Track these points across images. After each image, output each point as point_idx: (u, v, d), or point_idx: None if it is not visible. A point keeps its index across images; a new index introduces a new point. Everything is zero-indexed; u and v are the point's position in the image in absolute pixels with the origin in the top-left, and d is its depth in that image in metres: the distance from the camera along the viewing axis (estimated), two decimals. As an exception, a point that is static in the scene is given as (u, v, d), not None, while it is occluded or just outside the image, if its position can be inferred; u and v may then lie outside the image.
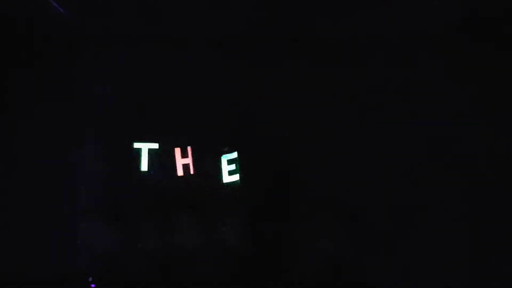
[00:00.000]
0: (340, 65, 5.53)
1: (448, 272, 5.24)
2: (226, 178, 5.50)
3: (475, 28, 5.29)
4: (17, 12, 5.30)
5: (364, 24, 5.44)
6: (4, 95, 5.48)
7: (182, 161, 5.49)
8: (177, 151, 5.49)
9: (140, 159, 5.44)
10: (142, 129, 5.50)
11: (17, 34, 5.43)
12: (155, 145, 5.45)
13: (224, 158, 5.52)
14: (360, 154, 5.47)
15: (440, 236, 5.27)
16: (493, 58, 5.33)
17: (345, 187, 5.40)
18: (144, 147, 5.42)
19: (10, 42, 5.44)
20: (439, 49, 5.41)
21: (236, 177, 5.49)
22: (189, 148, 5.49)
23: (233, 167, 5.50)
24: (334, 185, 5.41)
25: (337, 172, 5.43)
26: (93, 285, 5.30)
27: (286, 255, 5.39)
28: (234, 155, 5.51)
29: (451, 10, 5.26)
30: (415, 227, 5.31)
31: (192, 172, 5.45)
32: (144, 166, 5.43)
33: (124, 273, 5.33)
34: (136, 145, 5.42)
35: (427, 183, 5.35)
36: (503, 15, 5.20)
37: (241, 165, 5.49)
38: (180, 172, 5.47)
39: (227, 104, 5.55)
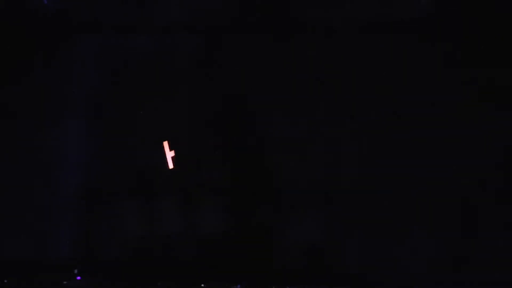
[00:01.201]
0: (330, 59, 5.44)
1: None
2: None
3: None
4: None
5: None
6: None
7: (171, 154, 5.62)
8: (165, 144, 5.62)
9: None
10: (124, 118, 5.65)
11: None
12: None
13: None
14: (340, 146, 5.40)
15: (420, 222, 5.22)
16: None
17: (326, 177, 5.39)
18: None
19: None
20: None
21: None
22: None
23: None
24: (315, 175, 5.40)
25: (318, 162, 5.41)
26: (78, 277, 5.49)
27: (268, 243, 5.42)
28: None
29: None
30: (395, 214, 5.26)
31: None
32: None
33: (108, 259, 5.58)
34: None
35: (405, 169, 5.26)
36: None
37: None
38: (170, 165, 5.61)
39: (211, 95, 5.58)
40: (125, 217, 5.59)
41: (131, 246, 5.56)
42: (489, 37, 5.08)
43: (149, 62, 5.64)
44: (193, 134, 5.57)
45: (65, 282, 5.48)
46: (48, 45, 5.66)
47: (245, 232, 5.44)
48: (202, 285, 5.37)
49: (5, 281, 5.47)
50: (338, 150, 5.39)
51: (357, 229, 5.28)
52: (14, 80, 5.62)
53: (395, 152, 5.25)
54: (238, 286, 5.30)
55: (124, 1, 5.55)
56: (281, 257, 5.37)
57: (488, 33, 5.09)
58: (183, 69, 5.62)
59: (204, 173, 5.54)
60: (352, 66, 5.36)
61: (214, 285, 5.36)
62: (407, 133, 5.23)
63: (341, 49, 5.39)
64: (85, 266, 5.54)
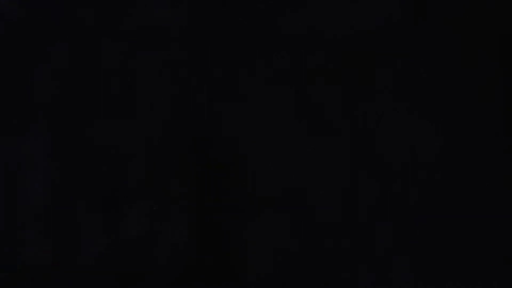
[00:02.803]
0: (286, 64, 5.25)
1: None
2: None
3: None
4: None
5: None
6: None
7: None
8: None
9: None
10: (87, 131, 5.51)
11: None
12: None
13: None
14: (304, 149, 5.17)
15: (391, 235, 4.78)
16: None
17: (292, 183, 5.14)
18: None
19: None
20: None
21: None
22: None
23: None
24: (280, 181, 5.13)
25: (284, 168, 5.17)
26: None
27: (235, 252, 5.20)
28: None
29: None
30: (365, 224, 4.95)
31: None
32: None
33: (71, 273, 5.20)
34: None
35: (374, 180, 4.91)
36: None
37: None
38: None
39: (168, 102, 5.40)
40: (88, 232, 5.28)
41: (94, 261, 5.21)
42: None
43: (114, 76, 5.59)
44: (159, 144, 5.25)
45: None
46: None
47: (216, 242, 5.25)
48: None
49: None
50: (310, 155, 5.19)
51: (334, 236, 5.05)
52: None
53: (372, 158, 5.09)
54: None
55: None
56: (255, 266, 5.18)
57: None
58: (153, 82, 5.47)
59: (171, 183, 5.30)
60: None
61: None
62: (383, 141, 5.05)
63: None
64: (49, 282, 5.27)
